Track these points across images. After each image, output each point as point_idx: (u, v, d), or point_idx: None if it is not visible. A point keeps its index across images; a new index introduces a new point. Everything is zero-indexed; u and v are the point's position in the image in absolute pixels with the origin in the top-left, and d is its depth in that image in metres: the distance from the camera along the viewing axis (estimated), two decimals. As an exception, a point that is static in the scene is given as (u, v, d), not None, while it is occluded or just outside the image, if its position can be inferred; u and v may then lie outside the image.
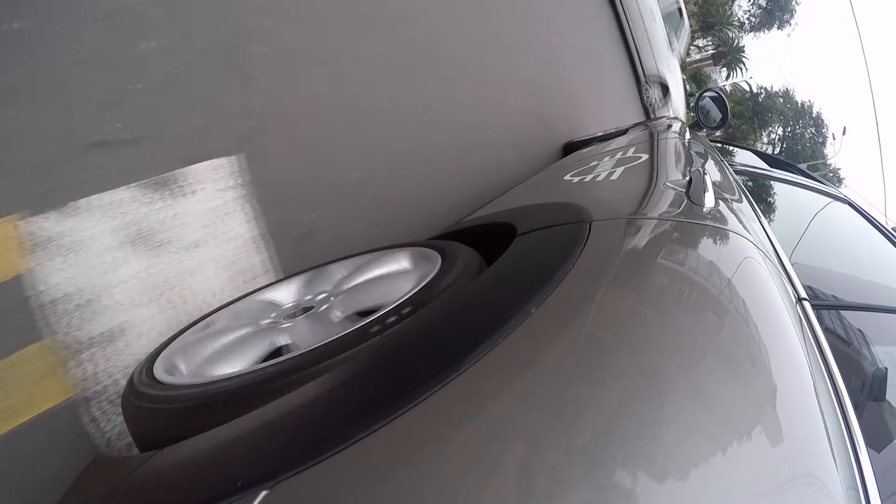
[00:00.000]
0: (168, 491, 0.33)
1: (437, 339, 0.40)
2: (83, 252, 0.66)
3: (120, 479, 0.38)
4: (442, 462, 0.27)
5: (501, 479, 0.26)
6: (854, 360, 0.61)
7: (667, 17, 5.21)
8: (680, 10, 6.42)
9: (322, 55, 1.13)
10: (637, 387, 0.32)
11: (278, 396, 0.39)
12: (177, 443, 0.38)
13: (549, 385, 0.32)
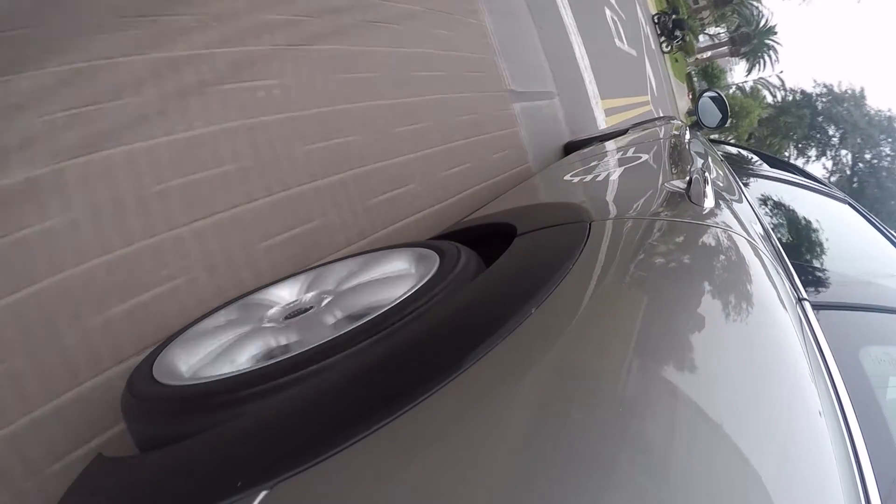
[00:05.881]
0: (168, 491, 0.33)
1: (436, 339, 0.40)
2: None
3: (120, 479, 0.38)
4: (442, 462, 0.27)
5: (502, 480, 0.26)
6: (854, 359, 0.61)
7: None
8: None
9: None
10: (637, 387, 0.32)
11: (276, 395, 0.40)
12: (177, 443, 0.38)
13: (550, 385, 0.32)
